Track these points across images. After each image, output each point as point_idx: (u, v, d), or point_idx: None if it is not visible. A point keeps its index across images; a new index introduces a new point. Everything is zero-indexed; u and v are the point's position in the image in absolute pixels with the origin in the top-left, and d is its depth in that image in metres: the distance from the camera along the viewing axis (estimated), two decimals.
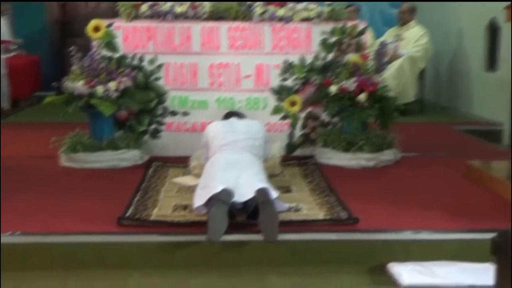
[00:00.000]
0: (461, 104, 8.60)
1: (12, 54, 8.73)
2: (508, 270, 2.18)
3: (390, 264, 3.48)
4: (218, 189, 3.62)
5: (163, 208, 3.97)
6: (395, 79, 7.72)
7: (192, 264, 3.48)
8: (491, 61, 7.76)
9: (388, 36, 8.40)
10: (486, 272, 3.41)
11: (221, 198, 3.54)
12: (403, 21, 8.45)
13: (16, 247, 3.46)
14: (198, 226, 3.56)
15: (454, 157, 5.64)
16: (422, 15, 8.63)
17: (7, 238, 3.47)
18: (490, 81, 7.71)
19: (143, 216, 3.78)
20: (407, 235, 3.63)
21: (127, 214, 3.77)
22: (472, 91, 8.33)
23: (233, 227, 3.53)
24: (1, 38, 8.76)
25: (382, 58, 5.52)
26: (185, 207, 3.96)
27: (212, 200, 3.57)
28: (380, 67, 5.47)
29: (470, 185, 4.67)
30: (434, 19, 8.97)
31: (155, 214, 3.83)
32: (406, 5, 8.63)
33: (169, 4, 5.45)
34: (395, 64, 7.89)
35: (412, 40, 8.19)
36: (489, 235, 3.58)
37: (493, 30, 7.69)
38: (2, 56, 8.01)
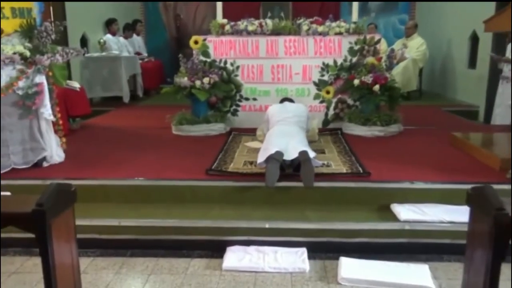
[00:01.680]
0: (449, 92, 8.17)
1: (145, 60, 8.82)
2: (479, 216, 1.96)
3: (392, 205, 3.31)
4: (273, 150, 3.52)
5: (237, 163, 3.88)
6: (402, 75, 7.45)
7: (255, 201, 3.41)
8: (472, 62, 7.32)
9: (398, 44, 8.05)
10: (462, 212, 3.18)
11: (275, 157, 3.44)
12: (408, 34, 8.05)
13: (138, 188, 3.48)
14: (259, 176, 3.46)
15: (442, 129, 5.31)
16: (422, 29, 8.15)
17: (134, 181, 3.50)
18: (471, 76, 7.29)
19: (223, 168, 3.70)
20: (405, 185, 3.43)
21: (213, 167, 3.71)
22: (457, 83, 7.90)
23: (283, 177, 3.43)
24: (137, 51, 8.90)
25: (391, 60, 5.20)
26: (251, 163, 3.85)
27: (269, 158, 3.47)
28: (390, 66, 5.16)
29: (453, 150, 4.35)
30: (430, 31, 8.47)
31: (231, 167, 3.75)
32: (411, 22, 8.31)
33: (244, 24, 5.31)
34: (402, 64, 7.54)
35: (414, 47, 7.79)
36: (466, 186, 3.39)
37: (474, 39, 7.23)
38: (138, 62, 8.09)
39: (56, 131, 3.90)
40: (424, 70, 8.22)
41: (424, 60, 7.88)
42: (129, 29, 8.73)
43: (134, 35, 8.99)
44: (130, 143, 4.71)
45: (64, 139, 3.99)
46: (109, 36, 7.99)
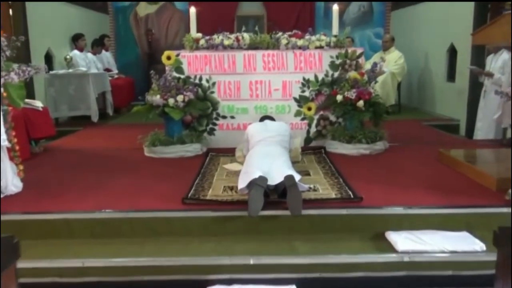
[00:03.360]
0: (427, 106, 8.07)
1: (115, 76, 8.42)
2: (508, 260, 1.67)
3: (387, 232, 3.03)
4: (256, 175, 3.21)
5: (215, 188, 3.53)
6: (381, 89, 7.23)
7: (237, 233, 3.06)
8: (451, 75, 7.23)
9: (375, 58, 7.85)
10: (463, 240, 2.94)
11: (259, 183, 3.12)
12: (385, 47, 7.96)
13: (106, 221, 3.08)
14: (241, 204, 3.13)
15: (426, 145, 5.14)
16: (398, 42, 8.04)
17: (101, 214, 3.10)
18: (450, 89, 7.19)
19: (201, 196, 3.35)
20: (400, 210, 3.14)
21: (189, 195, 3.35)
22: (435, 96, 7.80)
23: (267, 205, 3.10)
24: (106, 67, 8.48)
25: (373, 74, 4.98)
26: (231, 188, 3.52)
27: (252, 184, 3.16)
28: (371, 80, 4.93)
29: (443, 168, 4.12)
30: (407, 45, 8.39)
31: (210, 194, 3.39)
32: (387, 35, 8.24)
33: (220, 38, 5.01)
34: (380, 78, 7.33)
35: (392, 61, 7.68)
36: (464, 210, 3.17)
37: (452, 52, 7.15)
38: (108, 79, 7.67)
39: (12, 158, 3.47)
40: (402, 84, 8.10)
41: (403, 74, 7.78)
42: (98, 45, 8.32)
43: (103, 51, 8.59)
44: (98, 168, 4.30)
45: (21, 167, 3.57)
46: (76, 52, 7.56)
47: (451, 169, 4.02)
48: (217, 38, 5.00)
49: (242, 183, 3.31)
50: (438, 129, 6.45)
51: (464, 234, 3.00)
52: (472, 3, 6.36)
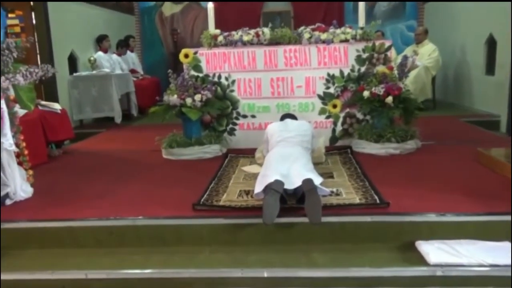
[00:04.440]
0: (465, 101, 7.56)
1: (140, 77, 8.35)
2: None
3: (417, 242, 2.71)
4: (272, 179, 2.97)
5: (230, 193, 3.30)
6: (414, 83, 6.90)
7: (250, 242, 2.82)
8: (490, 67, 6.73)
9: (407, 51, 7.49)
10: (505, 251, 2.59)
11: (274, 188, 2.87)
12: (418, 40, 7.53)
13: (111, 229, 2.90)
14: (256, 210, 2.88)
15: (463, 144, 4.75)
16: (432, 35, 7.59)
17: (106, 222, 2.93)
18: (489, 82, 6.69)
19: (214, 201, 3.13)
20: (432, 217, 2.81)
21: (202, 200, 3.13)
22: (473, 91, 7.29)
23: (284, 211, 2.84)
24: (132, 68, 8.42)
25: (404, 68, 4.62)
26: (247, 193, 3.28)
27: (267, 189, 2.91)
28: (402, 75, 4.58)
29: (482, 169, 3.74)
30: (442, 37, 7.92)
31: (224, 199, 3.17)
32: (420, 28, 7.79)
33: (239, 34, 4.78)
34: (413, 72, 6.97)
35: (426, 54, 7.25)
36: (505, 218, 2.81)
37: (491, 43, 6.65)
38: (132, 79, 7.59)
39: (20, 163, 3.36)
40: (436, 78, 7.64)
41: (437, 68, 7.32)
42: (122, 46, 8.26)
43: (128, 52, 8.53)
44: (112, 172, 4.16)
45: (31, 172, 3.45)
46: (100, 53, 7.52)
47: (490, 171, 3.64)
48: (236, 34, 4.78)
49: (258, 187, 3.07)
50: (477, 126, 5.99)
51: (506, 245, 2.65)
52: None
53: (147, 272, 2.59)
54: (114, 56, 7.92)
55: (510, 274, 2.44)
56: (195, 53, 4.79)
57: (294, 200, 3.01)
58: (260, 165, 3.84)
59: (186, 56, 4.77)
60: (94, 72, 7.04)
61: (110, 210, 3.07)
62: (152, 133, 5.13)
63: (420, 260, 2.56)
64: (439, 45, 7.38)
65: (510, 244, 2.65)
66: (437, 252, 2.58)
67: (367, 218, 2.82)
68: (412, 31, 8.91)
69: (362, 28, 4.67)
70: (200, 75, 4.77)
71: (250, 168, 3.99)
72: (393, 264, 2.54)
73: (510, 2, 5.87)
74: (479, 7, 6.86)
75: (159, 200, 3.24)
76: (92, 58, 7.24)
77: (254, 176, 3.54)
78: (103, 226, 2.89)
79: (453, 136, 5.22)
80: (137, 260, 2.70)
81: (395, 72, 4.56)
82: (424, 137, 4.62)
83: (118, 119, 6.84)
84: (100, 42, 7.61)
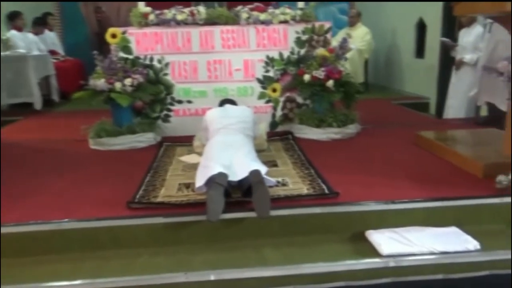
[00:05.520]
0: (395, 84, 7.76)
1: (61, 59, 7.64)
2: None
3: (368, 232, 2.62)
4: (215, 170, 2.74)
5: (169, 187, 3.01)
6: (348, 66, 6.83)
7: (194, 242, 2.58)
8: (420, 51, 6.91)
9: (341, 34, 7.44)
10: (453, 237, 2.58)
11: (217, 181, 2.65)
12: (351, 23, 7.53)
13: (35, 235, 2.52)
14: (199, 206, 2.64)
15: (399, 126, 4.82)
16: (364, 18, 7.64)
17: (28, 227, 2.54)
18: (419, 66, 6.88)
19: (151, 197, 2.83)
20: (381, 206, 2.73)
21: (137, 197, 2.82)
22: (404, 74, 7.50)
23: (229, 206, 2.62)
24: (51, 48, 7.68)
25: (343, 51, 4.53)
26: (188, 186, 3.01)
27: (210, 182, 2.68)
28: (341, 57, 4.48)
29: (423, 153, 3.75)
30: (373, 20, 8.00)
31: (162, 194, 2.88)
32: (354, 10, 7.77)
33: (172, 12, 4.42)
34: (347, 55, 6.93)
35: (359, 37, 7.29)
36: (452, 203, 2.80)
37: (421, 27, 6.81)
38: (51, 61, 6.90)
39: None
40: (368, 61, 7.73)
41: (370, 51, 7.41)
42: (39, 24, 7.49)
43: (46, 31, 7.76)
44: (34, 166, 3.69)
45: None
46: (13, 32, 6.73)
47: (431, 154, 3.66)
48: (169, 13, 4.42)
49: (200, 180, 2.84)
50: (408, 108, 6.13)
51: (454, 230, 2.64)
52: None
53: (77, 283, 2.26)
54: (30, 35, 7.13)
55: (459, 261, 2.42)
56: (124, 33, 4.37)
57: (239, 193, 2.80)
58: (199, 154, 3.59)
59: (114, 36, 4.35)
60: (8, 52, 6.30)
61: (30, 212, 2.67)
62: (77, 121, 4.67)
63: (372, 251, 2.47)
64: (371, 28, 7.45)
65: (457, 229, 2.65)
66: (388, 242, 2.50)
67: (317, 210, 2.69)
68: (344, 14, 8.94)
69: (301, 9, 4.50)
70: (130, 57, 4.36)
71: (189, 158, 3.71)
72: (346, 257, 2.43)
73: None
74: None
75: (88, 199, 2.89)
76: (4, 38, 6.46)
77: (194, 166, 3.29)
78: (23, 232, 2.50)
79: (388, 119, 5.28)
80: (65, 269, 2.36)
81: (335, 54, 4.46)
82: (361, 120, 4.59)
83: (38, 105, 6.19)
84: (13, 19, 6.81)
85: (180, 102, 4.53)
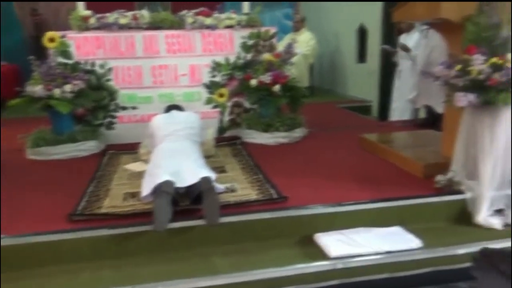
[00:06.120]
0: (339, 87, 7.97)
1: None
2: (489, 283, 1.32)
3: (316, 235, 2.66)
4: (162, 178, 2.68)
5: (114, 197, 2.91)
6: (293, 71, 6.94)
7: (141, 253, 2.51)
8: (361, 56, 7.14)
9: (286, 40, 7.52)
10: (397, 237, 2.68)
11: (164, 189, 2.59)
12: (296, 28, 7.63)
13: None
14: (146, 216, 2.57)
15: (344, 129, 4.93)
16: (310, 23, 7.80)
17: None
18: (361, 70, 7.10)
19: (94, 208, 2.72)
20: (329, 208, 2.78)
21: (79, 208, 2.71)
22: (347, 78, 7.71)
23: (177, 214, 2.58)
24: None
25: (289, 56, 4.59)
26: (133, 195, 2.92)
27: (157, 190, 2.61)
28: (286, 62, 4.53)
29: (365, 154, 3.87)
30: (317, 26, 8.18)
31: (106, 205, 2.77)
32: (298, 16, 7.89)
33: (114, 16, 4.29)
34: (293, 60, 7.04)
35: (304, 42, 7.39)
36: (395, 203, 2.89)
37: (361, 32, 7.04)
38: None
39: None
40: (313, 65, 7.90)
41: (314, 55, 7.55)
42: None
43: None
44: None
45: None
46: None
47: (374, 156, 3.78)
48: (111, 17, 4.28)
49: (146, 189, 2.76)
50: (352, 111, 6.31)
51: (398, 230, 2.74)
52: None
53: None
54: None
55: (403, 259, 2.51)
56: (63, 37, 4.19)
57: (188, 200, 2.75)
58: (145, 162, 3.49)
59: (52, 40, 4.15)
60: None
61: None
62: (14, 130, 4.42)
63: (321, 254, 2.51)
64: (315, 33, 7.61)
65: (401, 228, 2.74)
66: (336, 244, 2.55)
67: (266, 215, 2.69)
68: (289, 19, 9.08)
69: (247, 14, 4.51)
70: (70, 62, 4.18)
71: (134, 166, 3.61)
72: (296, 261, 2.45)
73: None
74: None
75: (26, 213, 2.73)
76: None
77: (140, 175, 3.19)
78: None
79: (334, 123, 5.40)
80: None
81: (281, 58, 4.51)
82: (307, 124, 4.67)
83: None
84: None
85: (124, 108, 4.40)
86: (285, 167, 3.56)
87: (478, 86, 2.70)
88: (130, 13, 4.34)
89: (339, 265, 2.44)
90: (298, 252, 2.55)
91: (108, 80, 4.32)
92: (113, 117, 4.39)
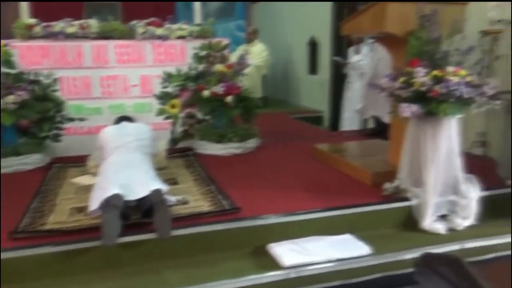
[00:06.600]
0: (292, 98, 8.11)
1: None
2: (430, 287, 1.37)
3: (269, 245, 2.67)
4: (111, 192, 2.61)
5: (59, 213, 2.80)
6: (246, 82, 6.98)
7: (90, 270, 2.42)
8: (313, 67, 7.32)
9: (239, 51, 7.59)
10: (348, 244, 2.74)
11: (113, 203, 2.52)
12: (249, 40, 7.71)
13: None
14: (94, 231, 2.49)
15: (297, 140, 5.00)
16: (261, 35, 7.90)
17: None
18: (313, 81, 7.27)
19: (38, 225, 2.60)
20: (282, 218, 2.80)
21: (21, 225, 2.58)
22: (300, 89, 7.86)
23: (127, 228, 2.51)
24: None
25: (241, 67, 4.62)
26: (80, 210, 2.82)
27: (105, 204, 2.53)
28: (239, 73, 4.56)
29: (317, 164, 3.94)
30: (270, 38, 8.31)
31: (51, 221, 2.66)
32: (251, 28, 7.96)
33: (60, 25, 4.17)
34: (246, 71, 7.10)
35: (256, 53, 7.47)
36: (346, 211, 2.96)
37: (313, 45, 7.23)
38: None
39: None
40: (266, 76, 8.00)
41: (267, 66, 7.64)
42: None
43: None
44: None
45: None
46: None
47: (326, 166, 3.86)
48: (57, 25, 4.16)
49: (94, 203, 2.67)
50: (305, 122, 6.43)
51: (348, 237, 2.81)
52: None
53: None
54: None
55: (354, 266, 2.56)
56: (5, 45, 4.01)
57: (138, 214, 2.69)
58: (94, 175, 3.39)
59: None
60: None
61: None
62: None
63: (274, 264, 2.52)
64: (268, 45, 7.72)
65: (351, 236, 2.81)
66: (289, 254, 2.57)
67: (219, 226, 2.68)
68: (241, 30, 9.16)
69: (199, 25, 4.52)
70: (13, 72, 4.00)
71: (82, 180, 3.49)
72: (249, 272, 2.45)
73: (330, 8, 6.42)
74: (301, 11, 7.39)
75: None
76: None
77: (88, 188, 3.09)
78: None
79: (287, 133, 5.47)
80: None
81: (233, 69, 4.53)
82: (261, 135, 4.71)
83: None
84: None
85: (71, 120, 4.26)
86: (238, 178, 3.57)
87: (420, 98, 2.83)
88: (77, 22, 4.23)
89: (292, 274, 2.46)
90: (252, 263, 2.55)
91: (54, 90, 4.18)
92: (60, 129, 4.24)
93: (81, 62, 4.22)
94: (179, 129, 4.57)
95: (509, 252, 2.74)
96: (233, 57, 5.13)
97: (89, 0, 8.06)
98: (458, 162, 3.02)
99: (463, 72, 2.83)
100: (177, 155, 4.23)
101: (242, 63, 4.58)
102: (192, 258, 2.57)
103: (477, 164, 3.48)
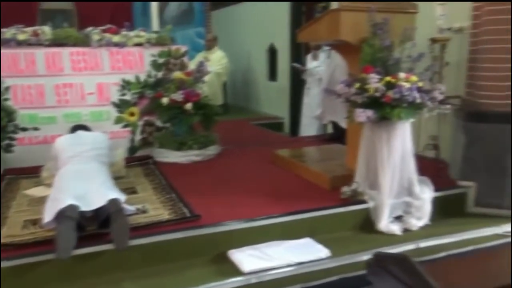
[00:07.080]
0: (252, 105, 8.16)
1: None
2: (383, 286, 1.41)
3: (230, 251, 2.68)
4: (65, 203, 2.55)
5: (12, 226, 2.70)
6: (207, 89, 6.97)
7: (45, 284, 2.35)
8: (272, 74, 7.40)
9: (199, 58, 7.57)
10: (308, 248, 2.78)
11: (68, 214, 2.46)
12: (208, 47, 7.72)
13: None
14: (48, 244, 2.41)
15: (257, 146, 5.03)
16: (222, 42, 7.93)
17: None
18: (273, 88, 7.35)
19: None
20: (242, 224, 2.81)
21: None
22: (260, 95, 7.92)
23: (83, 240, 2.45)
24: None
25: (200, 74, 4.61)
26: (34, 223, 2.74)
27: (59, 216, 2.47)
28: (198, 80, 4.55)
29: (277, 170, 3.99)
30: (230, 45, 8.34)
31: (3, 235, 2.56)
32: (210, 35, 7.97)
33: (11, 32, 4.04)
34: (206, 78, 7.08)
35: (216, 61, 7.48)
36: (304, 215, 3.01)
37: (272, 52, 7.32)
38: None
39: None
40: (227, 83, 8.02)
41: (227, 73, 7.67)
42: None
43: None
44: None
45: None
46: None
47: (286, 171, 3.90)
48: (8, 32, 4.02)
49: (48, 215, 2.60)
50: (266, 128, 6.48)
51: (307, 241, 2.85)
52: (288, 5, 6.56)
53: None
54: None
55: (313, 269, 2.60)
56: None
57: (94, 224, 2.63)
58: (49, 186, 3.29)
59: None
60: None
61: None
62: None
63: (235, 270, 2.53)
64: (228, 52, 7.75)
65: (310, 240, 2.85)
66: (249, 260, 2.59)
67: (179, 235, 2.66)
68: (201, 37, 9.14)
69: (156, 32, 4.48)
70: None
71: (36, 191, 3.38)
72: (210, 280, 2.44)
73: (288, 15, 6.53)
74: (260, 19, 7.48)
75: None
76: None
77: (42, 200, 2.99)
78: None
79: (247, 139, 5.50)
80: None
81: (192, 78, 4.52)
82: (221, 141, 4.71)
83: None
84: None
85: (24, 129, 4.12)
86: (199, 185, 3.55)
87: (375, 103, 2.92)
88: (30, 29, 4.11)
89: (253, 280, 2.47)
90: (212, 270, 2.55)
91: (6, 99, 4.03)
92: (12, 139, 4.08)
93: (35, 70, 4.09)
94: (138, 137, 4.51)
95: (459, 250, 2.86)
96: (193, 64, 5.13)
97: (43, 1, 7.81)
98: (412, 165, 3.14)
99: (414, 78, 2.94)
100: (136, 164, 4.17)
101: (201, 70, 4.57)
102: (152, 267, 2.54)
103: (430, 166, 3.63)
